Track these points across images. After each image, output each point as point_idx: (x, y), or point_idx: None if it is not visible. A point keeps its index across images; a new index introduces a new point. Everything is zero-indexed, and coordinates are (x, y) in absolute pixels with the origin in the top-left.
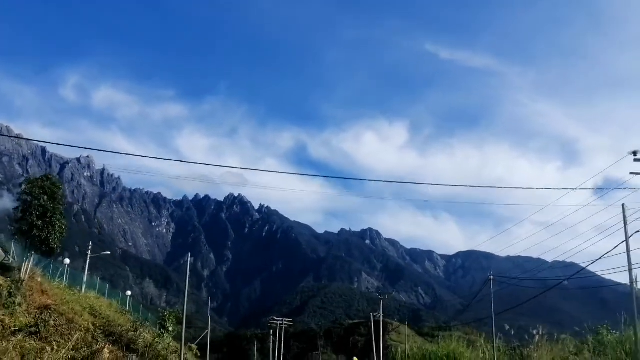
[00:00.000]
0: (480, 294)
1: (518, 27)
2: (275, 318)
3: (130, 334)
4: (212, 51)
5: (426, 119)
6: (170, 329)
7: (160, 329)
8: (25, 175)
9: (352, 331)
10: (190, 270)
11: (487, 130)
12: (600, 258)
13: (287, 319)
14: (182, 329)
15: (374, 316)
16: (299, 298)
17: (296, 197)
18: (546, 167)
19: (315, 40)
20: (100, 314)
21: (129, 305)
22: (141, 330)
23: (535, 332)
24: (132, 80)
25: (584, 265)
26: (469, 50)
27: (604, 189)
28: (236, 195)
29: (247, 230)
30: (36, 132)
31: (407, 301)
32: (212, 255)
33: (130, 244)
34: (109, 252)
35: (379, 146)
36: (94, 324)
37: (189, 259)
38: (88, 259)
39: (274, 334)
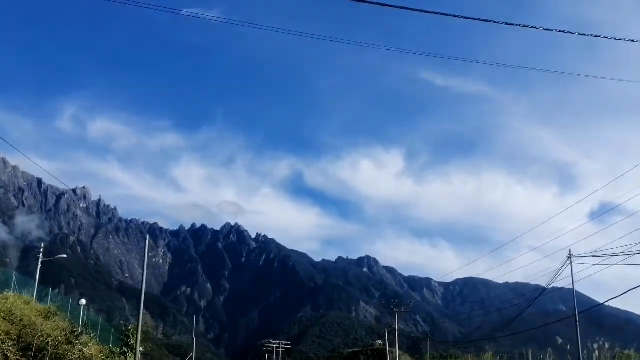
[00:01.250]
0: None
1: (509, 53)
2: (272, 341)
3: (62, 347)
4: (207, 80)
5: (422, 146)
6: (140, 348)
7: (122, 347)
8: (20, 207)
9: None
10: (187, 301)
11: (483, 157)
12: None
13: (284, 342)
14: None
15: (374, 345)
16: (297, 327)
17: (293, 226)
18: (543, 193)
19: (309, 66)
20: (21, 320)
21: (83, 318)
22: (78, 342)
23: (595, 345)
24: (128, 111)
25: (581, 291)
26: (463, 77)
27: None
28: (233, 224)
29: (244, 259)
30: (32, 163)
31: (406, 329)
32: (209, 285)
33: (127, 275)
34: (64, 255)
35: (375, 174)
36: (6, 333)
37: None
38: (39, 264)
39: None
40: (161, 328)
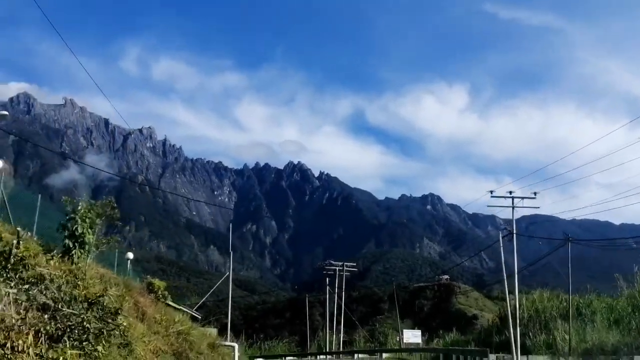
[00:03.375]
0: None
1: None
2: (333, 262)
3: None
4: (267, 18)
5: (487, 80)
6: (89, 236)
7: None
8: (89, 146)
9: (418, 295)
10: (252, 238)
11: (551, 91)
12: None
13: (349, 264)
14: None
15: (440, 279)
16: (360, 263)
17: (355, 164)
18: (613, 127)
19: (367, 4)
20: None
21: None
22: None
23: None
24: (190, 51)
25: None
26: (529, 9)
27: None
28: (295, 162)
29: (307, 197)
30: (99, 104)
31: (470, 266)
32: (273, 223)
33: (194, 213)
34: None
35: (438, 110)
36: None
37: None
38: None
39: (330, 284)
40: (228, 263)
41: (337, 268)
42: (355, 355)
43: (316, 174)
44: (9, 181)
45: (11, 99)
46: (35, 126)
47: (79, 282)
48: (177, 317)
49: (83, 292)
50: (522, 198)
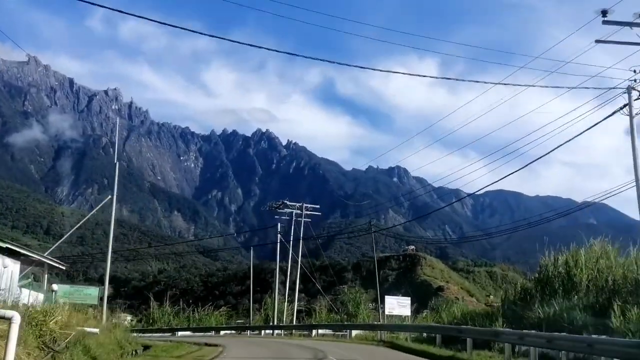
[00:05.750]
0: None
1: None
2: (289, 203)
3: None
4: None
5: (457, 54)
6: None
7: None
8: (52, 106)
9: (382, 265)
10: (218, 205)
11: (521, 67)
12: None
13: (310, 205)
14: None
15: (406, 250)
16: (325, 233)
17: (323, 134)
18: (580, 108)
19: None
20: None
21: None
22: None
23: None
24: (159, 11)
25: (614, 206)
26: None
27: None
28: (263, 130)
29: (274, 166)
30: (64, 63)
31: (434, 239)
32: (239, 191)
33: (159, 178)
34: None
35: (408, 83)
36: None
37: None
38: None
39: (284, 230)
40: (192, 230)
41: (294, 211)
42: (314, 331)
43: (284, 143)
44: None
45: None
46: None
47: None
48: None
49: None
50: None
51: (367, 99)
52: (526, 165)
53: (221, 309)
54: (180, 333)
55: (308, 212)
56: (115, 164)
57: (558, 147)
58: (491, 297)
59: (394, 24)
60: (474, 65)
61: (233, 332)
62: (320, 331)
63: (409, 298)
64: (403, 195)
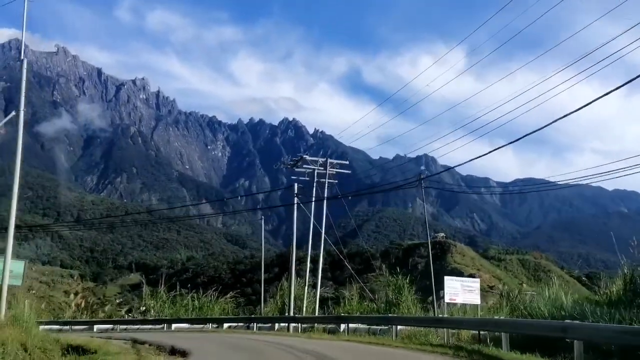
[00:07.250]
0: (537, 222)
1: None
2: (308, 158)
3: None
4: None
5: (485, 42)
6: None
7: None
8: (81, 95)
9: (411, 252)
10: (245, 193)
11: (549, 54)
12: None
13: (335, 162)
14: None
15: (435, 237)
16: (352, 222)
17: (350, 122)
18: (610, 95)
19: None
20: None
21: None
22: None
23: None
24: (186, 2)
25: None
26: None
27: None
28: (290, 119)
29: (301, 154)
30: (93, 54)
31: (462, 227)
32: (266, 179)
33: (187, 167)
34: None
35: (435, 70)
36: None
37: None
38: None
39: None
40: (220, 218)
41: (315, 169)
42: (343, 325)
43: (311, 132)
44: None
45: (2, 45)
46: (27, 73)
47: None
48: None
49: None
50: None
51: (394, 87)
52: (519, 139)
53: (227, 296)
54: (175, 325)
55: (334, 170)
56: (23, 60)
57: (552, 122)
58: (524, 285)
59: (422, 12)
60: (501, 52)
61: (240, 324)
62: (351, 325)
63: (478, 280)
64: (430, 176)
